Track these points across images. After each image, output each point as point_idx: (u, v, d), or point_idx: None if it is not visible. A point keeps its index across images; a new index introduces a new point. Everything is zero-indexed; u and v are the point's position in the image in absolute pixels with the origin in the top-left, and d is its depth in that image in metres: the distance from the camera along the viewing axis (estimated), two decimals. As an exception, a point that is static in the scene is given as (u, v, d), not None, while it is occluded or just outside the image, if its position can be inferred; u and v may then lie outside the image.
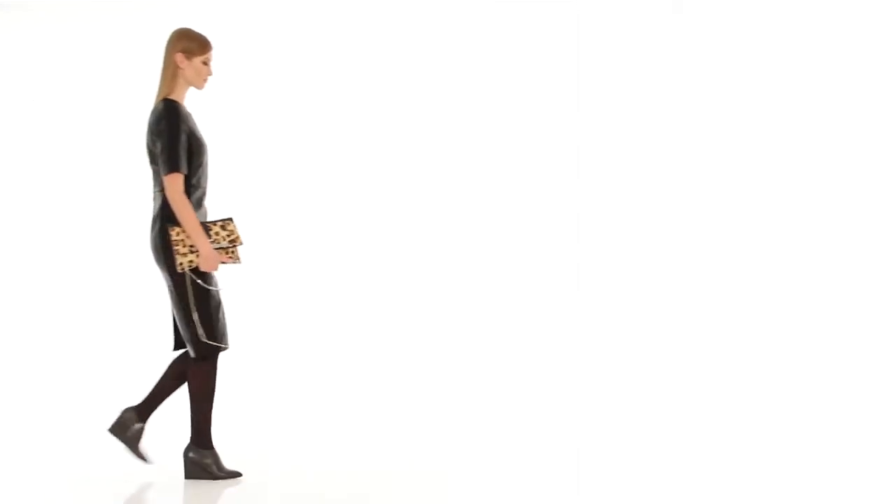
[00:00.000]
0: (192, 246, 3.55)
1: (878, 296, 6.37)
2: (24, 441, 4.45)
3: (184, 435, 3.96)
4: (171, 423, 4.50)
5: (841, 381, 5.46)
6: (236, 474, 3.78)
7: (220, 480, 3.74)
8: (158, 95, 3.67)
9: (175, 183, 3.51)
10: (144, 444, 3.82)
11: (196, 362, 3.69)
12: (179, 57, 3.65)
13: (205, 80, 3.67)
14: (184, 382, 3.78)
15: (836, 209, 6.58)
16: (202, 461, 3.73)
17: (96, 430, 4.60)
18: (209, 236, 3.57)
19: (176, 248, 3.54)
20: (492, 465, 4.04)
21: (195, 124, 3.67)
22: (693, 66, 6.87)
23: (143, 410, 3.80)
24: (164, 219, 3.58)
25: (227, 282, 7.19)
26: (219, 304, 3.68)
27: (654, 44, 6.87)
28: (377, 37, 6.94)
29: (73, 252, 7.16)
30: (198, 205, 3.64)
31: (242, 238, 3.70)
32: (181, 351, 3.77)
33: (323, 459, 4.11)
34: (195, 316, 3.60)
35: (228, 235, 3.64)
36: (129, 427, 3.77)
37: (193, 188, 3.61)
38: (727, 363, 5.90)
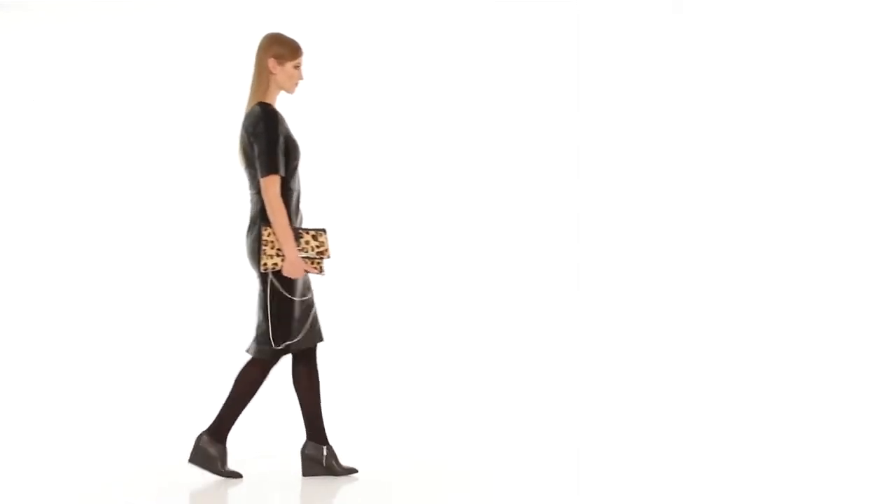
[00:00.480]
0: (279, 249, 3.57)
1: (878, 295, 6.37)
2: (27, 442, 4.45)
3: (187, 427, 3.95)
4: (171, 416, 4.50)
5: (841, 381, 5.46)
6: (236, 475, 3.78)
7: (221, 477, 3.73)
8: (252, 100, 3.70)
9: (272, 185, 3.55)
10: (342, 459, 3.85)
11: (252, 361, 3.72)
12: (272, 62, 3.68)
13: (296, 84, 3.71)
14: (315, 381, 3.80)
15: (835, 209, 6.58)
16: (208, 452, 3.72)
17: (101, 430, 4.60)
18: (299, 244, 3.60)
19: (264, 248, 3.57)
20: (491, 464, 4.04)
21: (289, 127, 3.69)
22: (693, 66, 6.87)
23: (314, 435, 3.80)
24: (263, 221, 3.61)
25: (230, 281, 7.17)
26: (304, 310, 3.67)
27: (654, 44, 6.87)
28: (377, 37, 6.94)
29: (73, 251, 7.15)
30: (296, 208, 3.68)
31: (331, 252, 3.70)
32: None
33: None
34: (269, 318, 3.63)
35: (318, 246, 3.66)
36: (320, 460, 3.79)
37: (290, 191, 3.64)
38: (727, 362, 5.89)
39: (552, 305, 6.79)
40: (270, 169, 3.54)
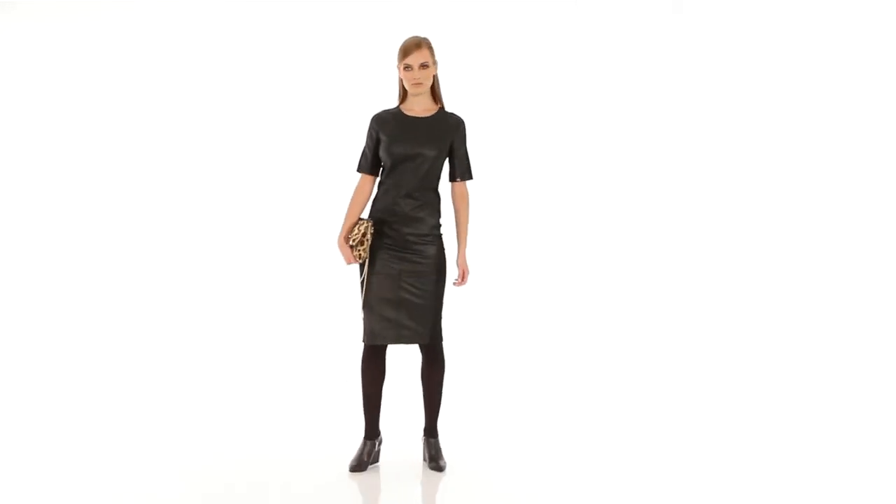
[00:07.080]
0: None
1: (878, 296, 6.38)
2: (27, 443, 4.45)
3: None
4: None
5: (841, 382, 5.47)
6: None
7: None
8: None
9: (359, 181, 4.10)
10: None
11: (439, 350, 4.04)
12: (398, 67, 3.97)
13: (412, 84, 3.98)
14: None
15: (835, 209, 6.59)
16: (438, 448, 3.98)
17: (101, 431, 4.60)
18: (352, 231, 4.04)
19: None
20: (491, 464, 4.05)
21: (394, 129, 4.01)
22: (693, 66, 6.88)
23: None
24: None
25: (232, 281, 7.12)
26: (371, 299, 4.02)
27: (654, 44, 6.88)
28: (376, 37, 6.94)
29: (71, 252, 7.16)
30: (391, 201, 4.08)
31: (361, 240, 4.05)
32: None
33: (325, 460, 4.12)
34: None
35: (356, 235, 4.05)
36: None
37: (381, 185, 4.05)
38: (727, 363, 5.90)
39: (552, 305, 6.80)
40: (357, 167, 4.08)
